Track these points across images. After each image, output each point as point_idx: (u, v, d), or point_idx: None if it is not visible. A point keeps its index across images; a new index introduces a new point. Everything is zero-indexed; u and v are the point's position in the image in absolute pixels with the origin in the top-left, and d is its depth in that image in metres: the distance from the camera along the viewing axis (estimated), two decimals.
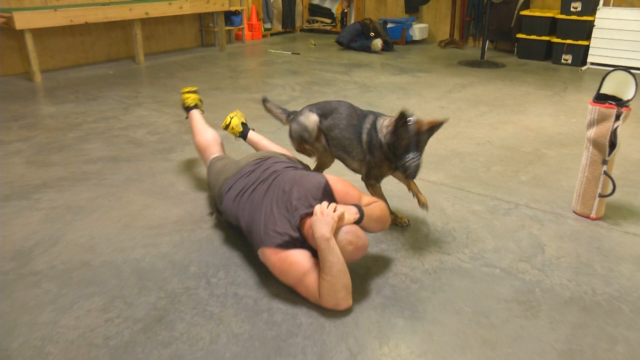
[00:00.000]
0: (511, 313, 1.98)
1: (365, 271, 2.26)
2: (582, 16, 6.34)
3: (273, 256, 2.05)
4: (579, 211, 2.62)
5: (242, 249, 2.46)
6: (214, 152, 2.92)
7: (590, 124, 2.46)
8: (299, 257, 2.01)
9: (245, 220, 2.26)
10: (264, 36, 8.92)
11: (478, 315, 1.97)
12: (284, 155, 2.68)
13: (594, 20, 6.25)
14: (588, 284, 2.13)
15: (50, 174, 3.41)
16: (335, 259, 1.92)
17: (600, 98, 2.42)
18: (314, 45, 8.13)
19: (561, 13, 6.52)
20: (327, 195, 2.11)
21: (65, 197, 3.07)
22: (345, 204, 2.06)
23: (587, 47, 6.44)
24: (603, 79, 2.45)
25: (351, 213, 2.02)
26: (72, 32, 6.54)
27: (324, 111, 2.59)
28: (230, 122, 3.17)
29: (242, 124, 3.20)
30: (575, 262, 2.28)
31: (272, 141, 3.11)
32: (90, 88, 5.61)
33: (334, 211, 1.95)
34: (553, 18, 6.61)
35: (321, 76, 6.07)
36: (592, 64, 6.45)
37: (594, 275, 2.19)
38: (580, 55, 6.50)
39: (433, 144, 3.68)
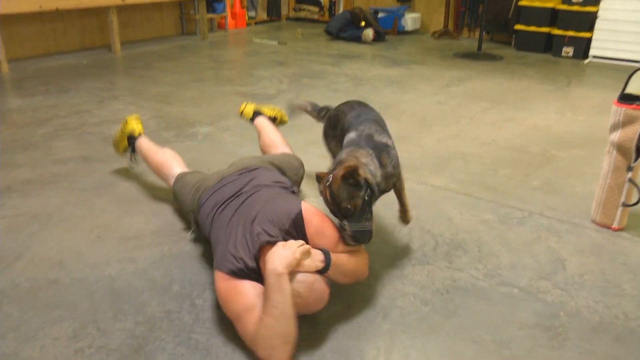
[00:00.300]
0: (535, 342, 1.81)
1: (368, 291, 2.08)
2: (585, 7, 6.21)
3: (222, 282, 1.81)
4: (599, 221, 2.46)
5: None
6: (174, 166, 2.69)
7: (615, 127, 2.30)
8: (247, 289, 1.76)
9: (213, 238, 2.07)
10: (248, 25, 8.66)
11: (499, 345, 1.80)
12: (276, 162, 2.47)
13: (597, 11, 6.12)
14: (618, 306, 1.97)
15: (15, 176, 3.15)
16: (282, 299, 1.64)
17: (625, 98, 2.26)
18: (302, 35, 7.90)
19: (562, 3, 6.38)
20: (297, 227, 1.85)
21: (31, 204, 2.82)
22: (315, 244, 1.80)
23: (590, 40, 6.31)
24: (629, 77, 2.29)
25: (314, 259, 1.73)
26: (42, 19, 6.21)
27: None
28: (244, 108, 3.19)
29: (255, 112, 3.16)
30: (600, 280, 2.12)
31: (277, 130, 2.97)
32: (61, 79, 5.32)
33: (299, 247, 1.72)
34: (553, 9, 6.47)
35: (310, 68, 5.85)
36: (594, 57, 6.33)
37: (623, 297, 2.03)
38: (582, 48, 6.37)
39: (435, 145, 3.51)
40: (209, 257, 2.32)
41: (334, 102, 4.68)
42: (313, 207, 1.93)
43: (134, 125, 3.02)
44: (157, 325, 1.91)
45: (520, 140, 3.66)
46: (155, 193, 2.92)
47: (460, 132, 3.80)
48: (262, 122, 3.04)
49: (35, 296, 2.08)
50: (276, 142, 2.86)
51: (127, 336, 1.86)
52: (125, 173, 3.19)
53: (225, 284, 1.81)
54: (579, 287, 2.08)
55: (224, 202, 2.15)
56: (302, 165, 2.68)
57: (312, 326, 1.88)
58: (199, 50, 6.87)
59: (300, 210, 1.89)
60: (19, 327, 1.91)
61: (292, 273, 1.69)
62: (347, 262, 1.84)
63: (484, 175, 3.08)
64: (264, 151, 2.90)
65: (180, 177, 2.56)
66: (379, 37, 7.18)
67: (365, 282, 2.12)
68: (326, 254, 1.77)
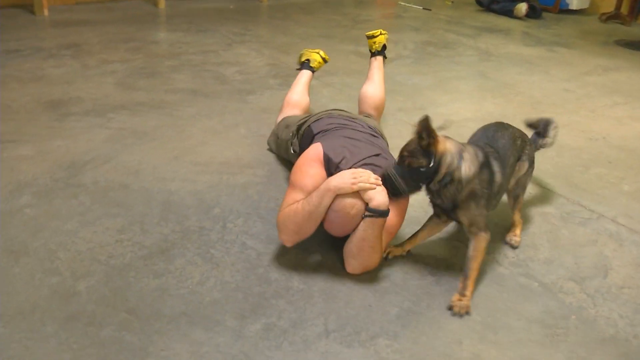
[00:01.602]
0: (527, 335, 1.79)
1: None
2: None
3: (311, 152, 2.13)
4: None
5: (272, 202, 2.50)
6: (296, 112, 2.99)
7: None
8: (314, 175, 2.04)
9: (324, 133, 2.37)
10: None
11: (485, 327, 1.82)
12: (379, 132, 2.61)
13: None
14: None
15: (131, 97, 3.74)
16: (316, 204, 1.89)
17: None
18: (452, 2, 7.71)
19: None
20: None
21: (135, 121, 3.36)
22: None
23: None
24: None
25: (378, 198, 1.88)
26: None
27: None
28: (378, 37, 3.28)
29: (384, 45, 3.31)
30: None
31: (383, 75, 3.19)
32: (204, 20, 5.96)
33: (365, 182, 1.89)
34: None
35: (443, 37, 5.77)
36: None
37: None
38: None
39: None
40: (257, 192, 2.61)
41: (446, 74, 4.66)
42: (406, 204, 2.11)
43: (313, 56, 3.27)
44: (188, 236, 2.25)
45: (637, 143, 3.32)
46: (238, 130, 3.27)
47: (571, 123, 3.56)
48: (379, 65, 3.20)
49: (107, 194, 2.55)
50: (382, 97, 3.06)
51: (161, 239, 2.23)
52: (221, 109, 3.59)
53: (313, 157, 2.11)
54: (611, 298, 1.96)
55: (354, 129, 2.39)
56: None
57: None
58: (341, 7, 7.12)
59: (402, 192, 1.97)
60: (85, 213, 2.39)
61: (354, 194, 1.88)
62: (377, 238, 1.94)
63: (572, 169, 2.91)
64: (365, 97, 3.07)
65: (292, 115, 2.90)
66: (533, 13, 6.73)
67: None
68: (387, 211, 1.90)
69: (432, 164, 1.84)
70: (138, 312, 1.84)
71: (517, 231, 2.26)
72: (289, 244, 2.05)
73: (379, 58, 3.22)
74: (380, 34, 3.28)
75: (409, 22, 6.42)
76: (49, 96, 3.69)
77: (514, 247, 2.23)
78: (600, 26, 6.40)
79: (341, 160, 2.11)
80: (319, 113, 2.64)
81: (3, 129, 3.13)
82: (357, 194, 1.90)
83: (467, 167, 1.85)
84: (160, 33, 5.34)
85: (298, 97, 3.04)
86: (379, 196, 1.90)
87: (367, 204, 1.90)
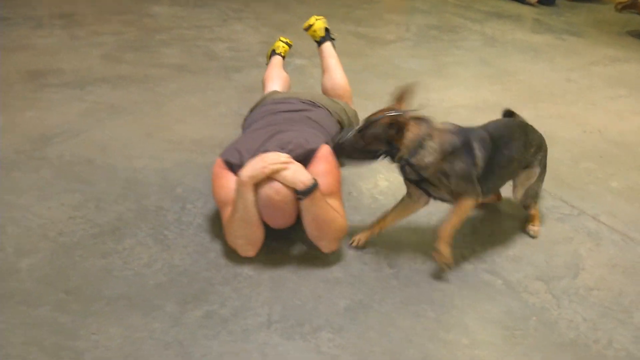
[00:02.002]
0: (482, 336, 1.70)
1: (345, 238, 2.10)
2: None
3: (216, 167, 2.02)
4: None
5: None
6: (274, 84, 2.86)
7: None
8: (229, 184, 1.93)
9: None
10: None
11: (439, 324, 1.73)
12: (343, 116, 2.50)
13: None
14: (609, 331, 1.73)
15: (115, 70, 3.67)
16: (242, 206, 1.82)
17: None
18: None
19: None
20: (305, 160, 1.93)
21: (114, 96, 3.29)
22: (319, 180, 1.85)
23: None
24: None
25: (297, 177, 1.80)
26: None
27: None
28: (314, 24, 3.11)
29: (325, 29, 3.12)
30: (610, 301, 1.86)
31: (339, 62, 2.98)
32: None
33: (275, 164, 1.81)
34: None
35: (448, 20, 5.59)
36: None
37: (624, 324, 1.76)
38: None
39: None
40: None
41: (446, 59, 4.48)
42: (333, 157, 1.98)
43: (275, 45, 3.18)
44: (144, 216, 2.18)
45: (634, 137, 3.17)
46: (218, 108, 3.19)
47: (567, 115, 3.41)
48: (328, 50, 3.02)
49: (70, 169, 2.49)
50: (338, 76, 2.89)
51: (115, 217, 2.17)
52: (204, 86, 3.50)
53: (217, 170, 2.01)
54: (577, 299, 1.85)
55: (273, 113, 2.32)
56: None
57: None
58: None
59: (317, 149, 1.96)
60: (43, 188, 2.33)
61: (269, 179, 1.81)
62: (326, 209, 1.86)
63: (560, 163, 2.78)
64: (326, 90, 2.89)
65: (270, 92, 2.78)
66: (546, 0, 6.50)
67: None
68: (315, 184, 1.81)
69: (388, 149, 1.84)
70: (77, 293, 1.78)
71: (536, 222, 2.22)
72: (253, 254, 1.94)
73: (326, 45, 3.04)
74: (316, 20, 3.10)
75: (417, 4, 6.23)
76: (30, 66, 3.64)
77: (532, 237, 2.18)
78: (615, 16, 6.14)
79: (240, 158, 1.97)
80: (260, 101, 2.55)
81: None
82: (271, 179, 1.81)
83: (421, 158, 1.83)
84: (157, 6, 5.23)
85: (275, 73, 2.93)
86: (296, 176, 1.80)
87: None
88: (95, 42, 4.23)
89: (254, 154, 1.93)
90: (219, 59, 4.02)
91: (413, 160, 1.83)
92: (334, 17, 5.28)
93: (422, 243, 2.10)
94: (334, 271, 1.93)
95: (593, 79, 4.12)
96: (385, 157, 1.90)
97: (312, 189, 1.79)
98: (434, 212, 2.20)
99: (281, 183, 1.80)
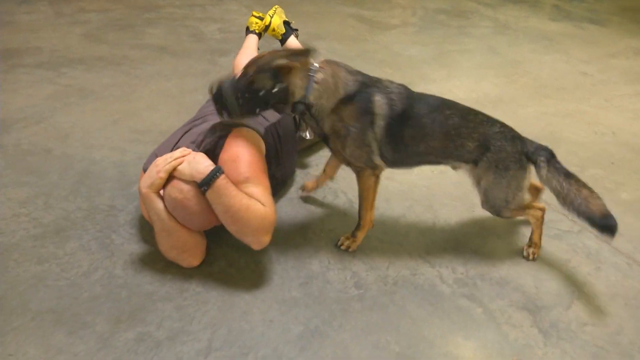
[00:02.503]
0: None
1: (309, 247, 1.89)
2: None
3: (140, 179, 1.78)
4: None
5: None
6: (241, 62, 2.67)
7: None
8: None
9: None
10: None
11: None
12: None
13: None
14: None
15: (93, 51, 3.47)
16: (155, 217, 1.66)
17: None
18: None
19: None
20: (213, 149, 1.74)
21: (86, 78, 3.09)
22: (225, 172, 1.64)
23: None
24: None
25: (192, 166, 1.60)
26: None
27: None
28: (270, 23, 2.88)
29: (285, 22, 2.91)
30: (606, 339, 1.63)
31: None
32: None
33: (168, 163, 1.64)
34: None
35: (460, 5, 5.28)
36: None
37: None
38: None
39: (533, 119, 2.92)
40: None
41: (450, 47, 4.16)
42: (244, 140, 1.74)
43: (250, 20, 2.94)
44: (92, 216, 2.00)
45: None
46: (195, 95, 2.97)
47: (576, 113, 3.14)
48: (293, 43, 2.84)
49: (24, 159, 2.31)
50: None
51: (62, 216, 1.98)
52: (185, 70, 3.29)
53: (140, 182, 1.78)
54: (567, 336, 1.63)
55: (205, 106, 2.19)
56: None
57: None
58: None
59: (225, 135, 1.75)
60: None
61: (171, 180, 1.63)
62: (236, 197, 1.59)
63: None
64: None
65: None
66: None
67: (313, 235, 1.94)
68: (216, 169, 1.59)
69: (275, 90, 1.64)
70: (2, 304, 1.60)
71: (535, 237, 1.94)
72: (195, 263, 1.77)
73: (290, 40, 2.85)
74: (270, 17, 2.87)
75: None
76: (7, 44, 3.46)
77: (527, 260, 1.94)
78: None
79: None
80: None
81: None
82: (171, 178, 1.64)
83: (317, 95, 1.67)
84: None
85: (242, 58, 2.70)
86: (193, 167, 1.60)
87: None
88: (80, 19, 4.03)
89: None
90: (206, 41, 3.80)
91: (311, 99, 1.66)
92: None
93: (397, 256, 1.89)
94: (292, 290, 1.73)
95: (611, 73, 3.82)
96: (277, 104, 1.69)
97: (212, 177, 1.58)
98: (423, 221, 1.98)
99: (182, 180, 1.61)
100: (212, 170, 1.58)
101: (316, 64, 1.70)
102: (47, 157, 2.33)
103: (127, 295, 1.67)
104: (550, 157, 1.79)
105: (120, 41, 3.66)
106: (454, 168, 1.92)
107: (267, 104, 1.69)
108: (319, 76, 1.67)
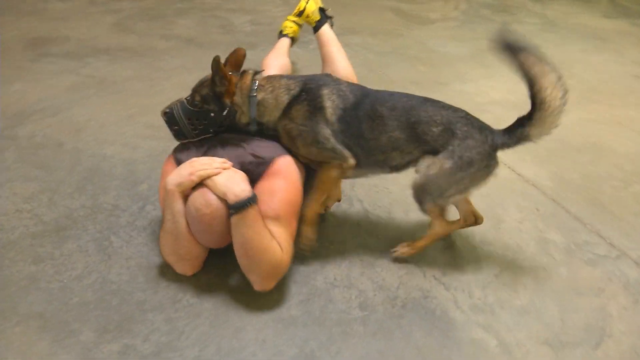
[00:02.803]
0: None
1: (315, 262, 1.77)
2: None
3: (165, 164, 1.74)
4: None
5: None
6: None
7: None
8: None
9: None
10: None
11: None
12: None
13: None
14: None
15: (121, 41, 3.44)
16: (170, 217, 1.57)
17: None
18: None
19: None
20: (255, 171, 1.62)
21: (110, 69, 3.06)
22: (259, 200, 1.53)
23: None
24: None
25: (230, 185, 1.49)
26: None
27: None
28: (305, 8, 2.75)
29: (320, 9, 2.76)
30: None
31: (341, 48, 2.64)
32: None
33: (205, 169, 1.53)
34: None
35: (507, 0, 5.01)
36: None
37: None
38: None
39: (572, 125, 2.68)
40: None
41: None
42: (287, 173, 1.64)
43: (294, 28, 2.84)
44: (95, 216, 1.94)
45: None
46: None
47: (625, 120, 2.89)
48: (327, 34, 2.67)
49: (36, 152, 2.28)
50: (339, 62, 2.55)
51: (64, 214, 1.93)
52: (208, 62, 3.20)
53: (164, 168, 1.72)
54: None
55: None
56: None
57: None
58: None
59: (272, 160, 1.63)
60: (0, 172, 2.12)
61: (201, 187, 1.52)
62: (261, 234, 1.50)
63: (604, 183, 2.31)
64: None
65: None
66: None
67: (321, 248, 1.82)
68: (252, 198, 1.48)
69: (225, 112, 1.67)
70: None
71: (419, 242, 1.78)
72: (189, 273, 1.68)
73: (324, 30, 2.66)
74: (306, 2, 2.71)
75: None
76: (37, 32, 3.47)
77: (394, 260, 1.80)
78: None
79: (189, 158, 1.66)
80: None
81: None
82: (201, 185, 1.52)
83: (261, 114, 1.68)
84: None
85: (272, 61, 2.59)
86: (229, 185, 1.49)
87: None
88: (112, 8, 4.02)
89: (203, 153, 1.66)
90: (235, 33, 3.72)
91: (261, 120, 1.68)
92: None
93: (410, 275, 1.75)
94: (292, 308, 1.61)
95: None
96: (232, 125, 1.71)
97: (246, 203, 1.46)
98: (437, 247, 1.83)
99: (215, 194, 1.49)
100: (247, 198, 1.47)
101: (256, 83, 1.69)
102: (58, 152, 2.29)
103: (118, 303, 1.59)
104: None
105: (149, 31, 3.62)
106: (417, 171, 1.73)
107: (221, 126, 1.70)
108: (260, 95, 1.67)
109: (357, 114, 1.63)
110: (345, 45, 3.41)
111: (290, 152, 1.69)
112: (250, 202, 1.47)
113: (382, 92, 1.71)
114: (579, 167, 2.42)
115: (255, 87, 1.68)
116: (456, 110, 1.66)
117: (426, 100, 1.68)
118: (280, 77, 1.73)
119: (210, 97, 1.66)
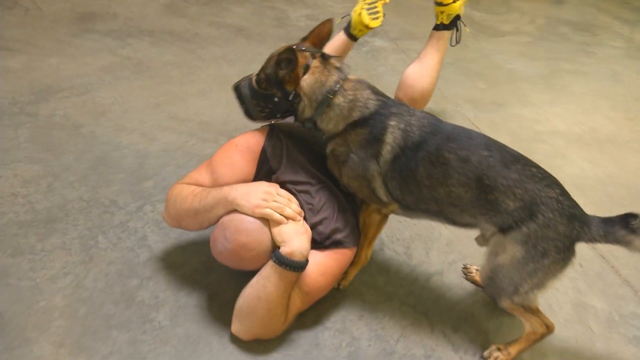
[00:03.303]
0: None
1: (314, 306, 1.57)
2: None
3: (250, 135, 1.59)
4: None
5: None
6: None
7: None
8: (238, 163, 1.53)
9: None
10: None
11: None
12: None
13: None
14: None
15: (168, 23, 3.35)
16: (206, 207, 1.41)
17: None
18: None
19: None
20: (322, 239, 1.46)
21: (148, 52, 2.97)
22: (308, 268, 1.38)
23: None
24: None
25: (293, 240, 1.32)
26: None
27: None
28: (450, 3, 2.27)
29: (457, 16, 2.35)
30: None
31: (439, 65, 2.37)
32: None
33: (277, 209, 1.36)
34: None
35: (590, 16, 4.58)
36: None
37: None
38: None
39: (635, 165, 2.32)
40: None
41: (564, 65, 3.47)
42: (346, 265, 1.51)
43: (353, 17, 2.35)
44: (89, 210, 1.83)
45: None
46: None
47: None
48: (440, 45, 2.35)
49: (49, 132, 2.20)
50: (427, 89, 2.34)
51: (59, 204, 1.83)
52: (253, 56, 3.06)
53: (248, 140, 1.57)
54: None
55: None
56: None
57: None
58: None
59: (345, 245, 1.48)
60: (8, 150, 2.06)
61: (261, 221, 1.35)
62: (281, 298, 1.34)
63: None
64: (405, 81, 2.33)
65: None
66: None
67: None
68: (303, 265, 1.33)
69: (290, 98, 1.43)
70: None
71: (509, 349, 1.44)
72: (170, 225, 1.56)
73: (442, 34, 2.33)
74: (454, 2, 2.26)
75: None
76: (87, 7, 3.43)
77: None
78: None
79: (279, 168, 1.50)
80: None
81: (14, 34, 2.92)
82: (266, 222, 1.34)
83: (326, 120, 1.42)
84: None
85: None
86: (292, 240, 1.32)
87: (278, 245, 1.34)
88: None
89: (290, 183, 1.49)
90: (288, 27, 3.55)
91: (320, 124, 1.43)
92: None
93: (415, 327, 1.52)
94: (271, 347, 1.43)
95: None
96: (286, 113, 1.50)
97: (293, 266, 1.30)
98: (463, 286, 1.59)
99: (267, 231, 1.34)
100: (299, 262, 1.31)
101: (339, 84, 1.41)
102: (73, 134, 2.20)
103: (85, 314, 1.46)
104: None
105: (200, 16, 3.51)
106: (480, 243, 1.47)
107: (286, 112, 1.50)
108: (337, 99, 1.40)
109: (416, 155, 1.35)
110: (402, 52, 3.18)
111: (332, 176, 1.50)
112: (299, 268, 1.31)
113: (460, 133, 1.38)
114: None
115: (337, 88, 1.41)
116: (549, 185, 1.30)
117: (515, 160, 1.32)
118: (367, 87, 1.45)
119: (272, 79, 1.43)
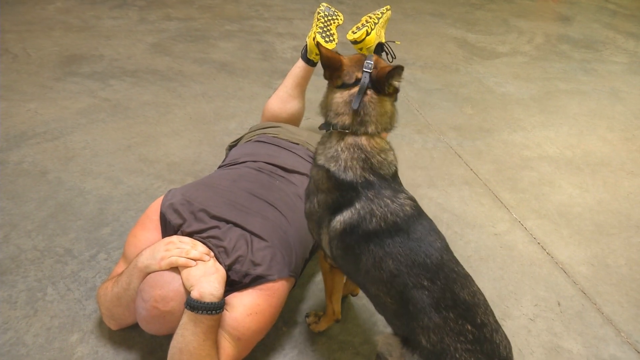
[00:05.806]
0: None
1: (274, 342, 1.51)
2: None
3: (151, 205, 1.62)
4: None
5: None
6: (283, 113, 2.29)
7: None
8: (143, 237, 1.54)
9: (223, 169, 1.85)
10: None
11: None
12: None
13: None
14: None
15: (152, 63, 3.39)
16: (124, 285, 1.40)
17: None
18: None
19: None
20: (244, 277, 1.41)
21: (128, 93, 3.00)
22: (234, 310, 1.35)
23: None
24: None
25: (201, 282, 1.29)
26: None
27: None
28: (364, 40, 2.14)
29: (380, 44, 2.24)
30: None
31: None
32: None
33: (179, 255, 1.34)
34: None
35: (594, 33, 4.48)
36: None
37: None
38: None
39: (636, 198, 2.18)
40: None
41: (561, 85, 3.35)
42: (281, 301, 1.44)
43: (308, 42, 2.30)
44: (42, 260, 1.82)
45: None
46: (227, 126, 2.73)
47: None
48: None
49: (15, 180, 2.21)
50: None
51: (11, 256, 1.83)
52: (234, 93, 3.06)
53: (148, 211, 1.58)
54: None
55: (258, 169, 1.76)
56: None
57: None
58: None
59: (268, 279, 1.41)
60: None
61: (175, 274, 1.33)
62: (203, 345, 1.27)
63: None
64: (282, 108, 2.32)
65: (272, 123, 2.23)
66: None
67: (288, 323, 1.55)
68: (218, 306, 1.28)
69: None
70: None
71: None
72: (114, 328, 1.54)
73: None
74: (367, 34, 2.10)
75: (560, 7, 5.15)
76: (74, 50, 3.50)
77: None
78: None
79: (182, 224, 1.48)
80: (256, 131, 2.03)
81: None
82: (178, 271, 1.32)
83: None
84: None
85: (284, 105, 2.27)
86: (200, 282, 1.28)
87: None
88: (159, 27, 4.01)
89: (201, 228, 1.47)
90: (273, 59, 3.55)
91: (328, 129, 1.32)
92: (444, 17, 4.54)
93: None
94: None
95: None
96: None
97: (208, 308, 1.25)
98: None
99: (180, 285, 1.30)
100: (211, 303, 1.26)
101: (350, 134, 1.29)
102: (39, 181, 2.21)
103: None
104: None
105: (184, 54, 3.54)
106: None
107: None
108: (332, 136, 1.30)
109: (366, 244, 1.23)
110: None
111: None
112: (212, 310, 1.26)
113: (419, 245, 1.21)
114: (631, 251, 1.97)
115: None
116: (475, 352, 1.13)
117: (452, 307, 1.16)
118: (362, 160, 1.25)
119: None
